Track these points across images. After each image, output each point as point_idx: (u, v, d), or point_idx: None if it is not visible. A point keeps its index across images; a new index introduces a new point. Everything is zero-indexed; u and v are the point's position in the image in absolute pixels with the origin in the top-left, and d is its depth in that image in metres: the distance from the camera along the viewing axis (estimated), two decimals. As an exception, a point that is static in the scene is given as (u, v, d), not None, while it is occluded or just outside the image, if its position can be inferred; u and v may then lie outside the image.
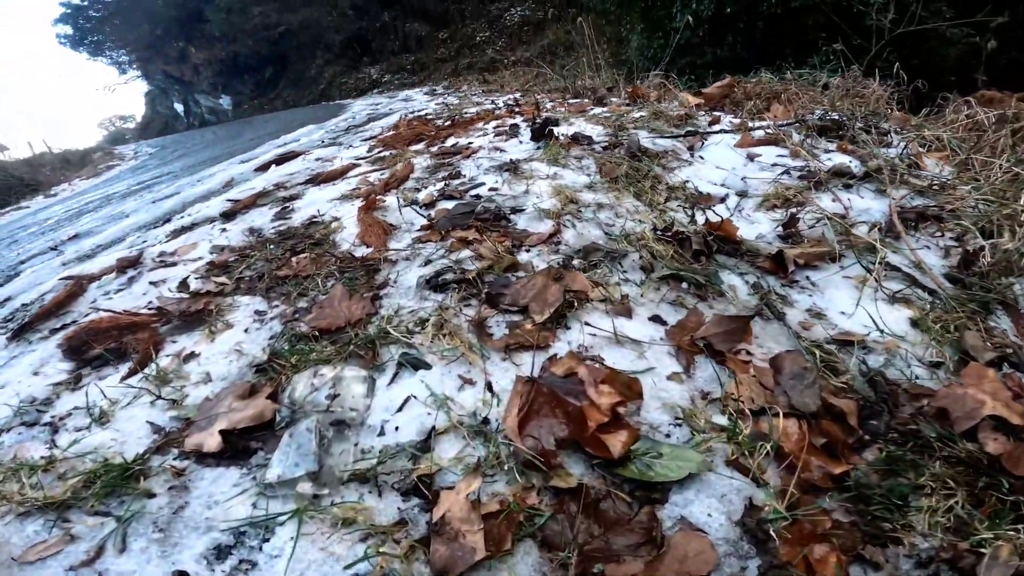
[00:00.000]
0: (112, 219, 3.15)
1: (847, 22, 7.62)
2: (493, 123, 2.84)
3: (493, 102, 4.53)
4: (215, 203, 2.60)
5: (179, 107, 25.13)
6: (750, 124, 2.33)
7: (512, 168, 1.93)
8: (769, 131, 2.18)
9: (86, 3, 25.24)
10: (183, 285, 1.60)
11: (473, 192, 1.78)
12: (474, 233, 1.46)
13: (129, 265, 2.07)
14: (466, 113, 4.05)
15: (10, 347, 1.68)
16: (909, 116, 2.54)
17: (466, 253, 1.41)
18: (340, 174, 2.48)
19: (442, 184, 1.93)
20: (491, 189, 1.77)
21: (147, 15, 22.55)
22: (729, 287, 1.41)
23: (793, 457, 0.90)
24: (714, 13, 8.00)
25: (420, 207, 1.75)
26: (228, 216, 2.29)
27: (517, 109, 3.45)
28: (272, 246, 1.82)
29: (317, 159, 3.15)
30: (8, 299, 2.24)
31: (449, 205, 1.69)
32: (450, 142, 2.60)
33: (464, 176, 1.96)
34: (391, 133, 3.29)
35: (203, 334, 1.39)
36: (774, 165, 1.94)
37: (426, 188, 1.94)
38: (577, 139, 2.18)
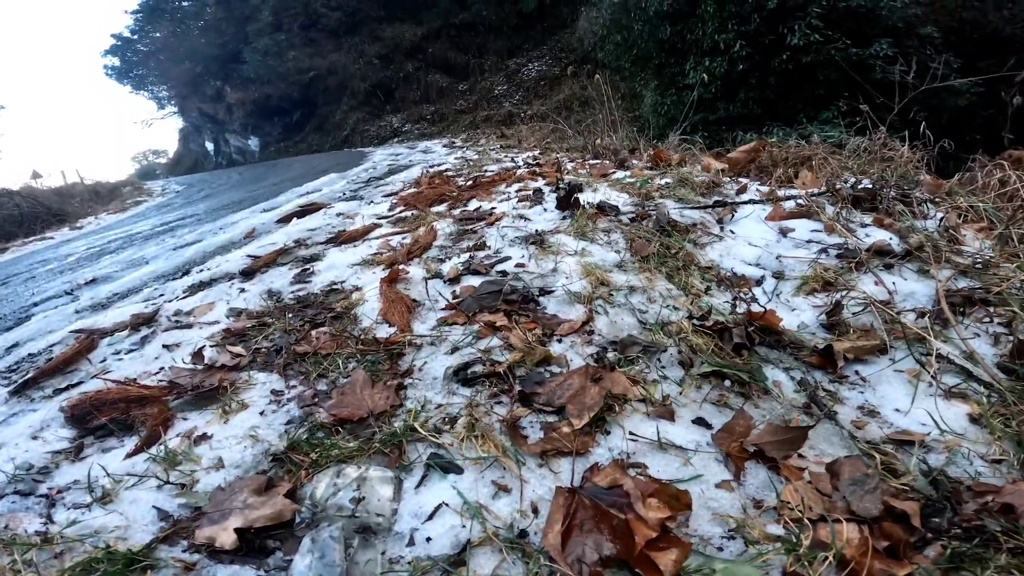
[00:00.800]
0: (131, 265, 3.11)
1: (859, 77, 7.74)
2: (516, 185, 2.80)
3: (513, 159, 4.55)
4: (235, 257, 2.55)
5: (210, 145, 25.90)
6: (779, 193, 2.26)
7: (538, 241, 1.86)
8: (800, 202, 2.10)
9: (136, 37, 26.52)
10: (197, 355, 1.51)
11: (499, 268, 1.70)
12: (502, 318, 1.37)
13: (143, 323, 1.99)
14: (487, 171, 4.05)
15: (11, 402, 1.58)
16: (940, 181, 2.46)
17: (495, 341, 1.32)
18: (361, 235, 2.43)
19: (467, 256, 1.85)
20: (518, 265, 1.69)
21: (190, 53, 23.52)
22: (774, 383, 1.30)
23: (855, 564, 0.82)
24: (727, 71, 8.18)
25: (445, 281, 1.67)
26: (247, 275, 2.22)
27: (538, 170, 3.43)
28: (291, 315, 1.73)
29: (338, 214, 3.12)
30: (15, 345, 2.16)
31: (475, 282, 1.61)
32: (473, 205, 2.55)
33: (489, 247, 1.89)
34: (412, 191, 3.27)
35: (216, 414, 1.29)
36: (809, 242, 1.85)
37: (450, 259, 1.86)
38: (603, 209, 2.11)
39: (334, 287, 1.91)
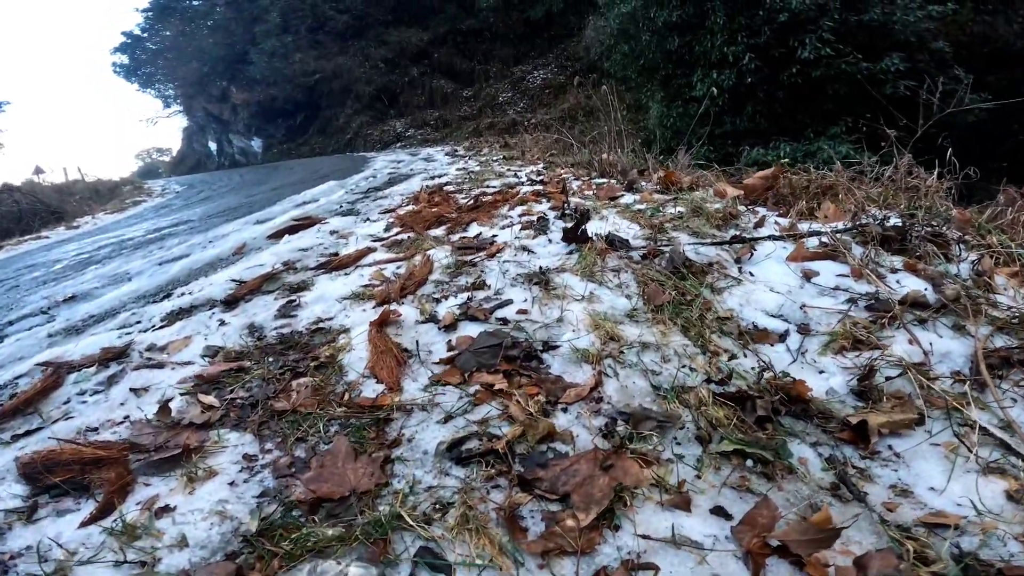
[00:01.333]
0: (114, 280, 2.96)
1: (866, 93, 7.61)
2: (519, 209, 2.65)
3: (516, 174, 4.40)
4: (220, 280, 2.40)
5: (213, 145, 25.81)
6: (801, 227, 2.11)
7: (542, 281, 1.71)
8: (824, 240, 1.95)
9: (146, 35, 26.49)
10: (163, 410, 1.36)
11: (499, 313, 1.54)
12: (501, 379, 1.22)
13: (113, 358, 1.84)
14: (489, 186, 3.90)
15: (-34, 447, 1.45)
16: (968, 215, 2.32)
17: (493, 409, 1.17)
18: (354, 261, 2.28)
19: (465, 296, 1.70)
20: (520, 311, 1.54)
21: (197, 52, 23.44)
22: (799, 460, 1.17)
23: None
24: (735, 83, 8.06)
25: (440, 328, 1.52)
26: (229, 304, 2.07)
27: (542, 189, 3.28)
28: (271, 358, 1.58)
29: (332, 231, 2.97)
30: (-19, 374, 2.02)
31: (473, 330, 1.46)
32: (473, 231, 2.40)
33: (489, 286, 1.74)
34: (410, 209, 3.12)
35: (181, 481, 1.16)
36: (836, 289, 1.70)
37: (447, 298, 1.71)
38: (612, 243, 1.96)
39: (320, 325, 1.76)
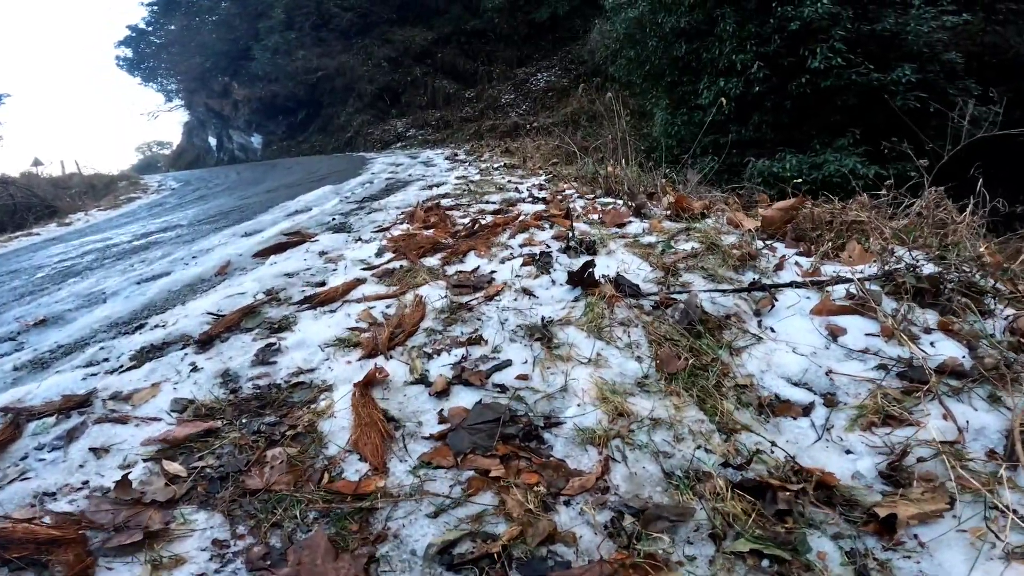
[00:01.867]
0: (89, 301, 2.81)
1: (875, 105, 7.45)
2: (520, 237, 2.49)
3: (517, 188, 4.25)
4: (197, 310, 2.25)
5: (213, 141, 25.60)
6: (824, 269, 1.96)
7: (545, 337, 1.55)
8: (851, 289, 1.80)
9: (150, 29, 26.29)
10: (123, 485, 1.21)
11: (497, 377, 1.39)
12: (498, 465, 1.07)
13: (76, 406, 1.69)
14: (488, 201, 3.75)
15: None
16: (1000, 258, 2.17)
17: (488, 500, 1.02)
18: (341, 295, 2.13)
19: (459, 353, 1.55)
20: (520, 377, 1.38)
21: (200, 47, 23.23)
22: (818, 555, 1.04)
23: None
24: (742, 92, 7.89)
25: (431, 392, 1.37)
26: (204, 344, 1.92)
27: (545, 210, 3.13)
28: (245, 418, 1.44)
29: (321, 252, 2.82)
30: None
31: (467, 399, 1.30)
32: (470, 262, 2.25)
33: (485, 341, 1.58)
34: (404, 229, 2.97)
35: (146, 568, 1.04)
36: (865, 352, 1.55)
37: (439, 354, 1.56)
38: (621, 287, 1.81)
39: (300, 379, 1.60)
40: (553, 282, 1.94)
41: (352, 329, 1.84)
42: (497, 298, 1.85)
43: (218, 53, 22.39)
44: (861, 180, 7.08)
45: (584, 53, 15.99)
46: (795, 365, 1.49)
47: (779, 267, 2.01)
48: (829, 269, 2.00)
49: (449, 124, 16.91)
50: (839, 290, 1.81)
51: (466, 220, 3.06)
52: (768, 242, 2.25)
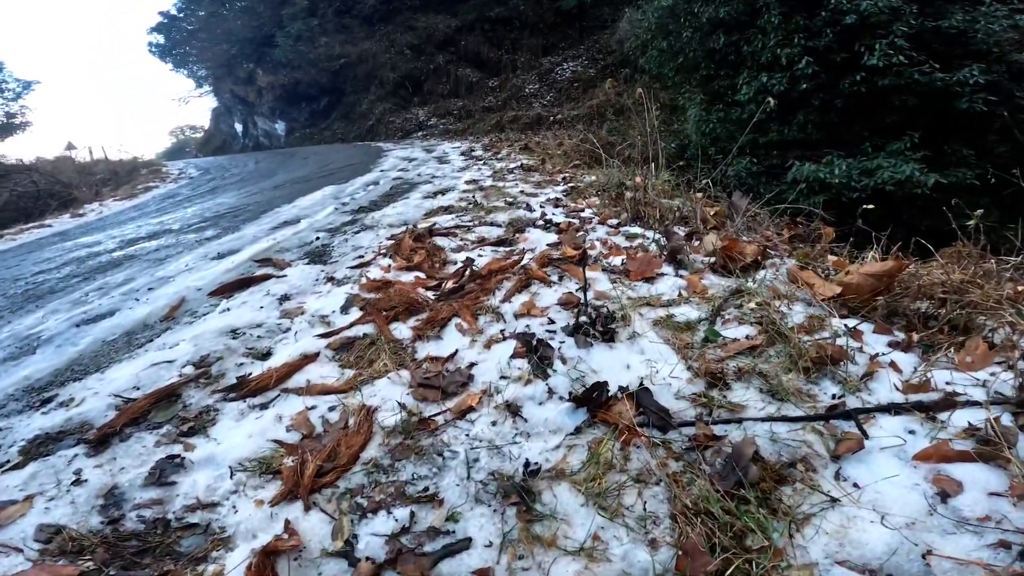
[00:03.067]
0: (22, 349, 2.32)
1: (935, 107, 6.58)
2: (518, 300, 1.87)
3: (529, 204, 3.63)
4: (112, 383, 1.74)
5: (239, 127, 25.42)
6: (935, 379, 1.34)
7: (524, 499, 0.98)
8: (973, 422, 1.18)
9: (181, 15, 26.13)
10: None
11: (447, 569, 0.83)
12: None
13: None
14: (493, 222, 3.16)
15: None
16: None
17: None
18: (283, 378, 1.58)
19: (403, 517, 0.98)
20: (477, 574, 0.82)
21: (227, 34, 22.93)
22: None
23: None
24: (786, 89, 7.07)
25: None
26: (98, 444, 1.40)
27: (558, 242, 2.53)
28: (116, 569, 0.93)
29: (283, 297, 2.28)
30: None
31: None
32: (448, 342, 1.67)
33: (440, 502, 1.01)
34: (383, 271, 2.40)
35: None
36: (983, 522, 0.95)
37: (375, 512, 1.00)
38: (643, 408, 1.22)
39: (197, 517, 1.09)
40: (550, 392, 1.34)
41: (278, 443, 1.29)
42: (471, 416, 1.28)
43: (243, 40, 22.02)
44: (918, 189, 6.28)
45: (612, 43, 15.09)
46: (880, 543, 0.90)
47: (868, 375, 1.38)
48: (942, 377, 1.36)
49: (471, 114, 16.22)
50: (958, 417, 1.18)
51: (460, 256, 2.47)
52: (852, 323, 1.61)
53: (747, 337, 1.57)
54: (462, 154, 8.56)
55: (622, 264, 2.14)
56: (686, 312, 1.71)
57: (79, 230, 6.70)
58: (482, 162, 7.09)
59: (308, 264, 2.71)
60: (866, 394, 1.36)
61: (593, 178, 4.78)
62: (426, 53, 18.52)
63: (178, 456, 1.37)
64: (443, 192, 4.65)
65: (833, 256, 2.13)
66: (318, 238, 3.31)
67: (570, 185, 4.44)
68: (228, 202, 6.38)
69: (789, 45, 6.91)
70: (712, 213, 3.02)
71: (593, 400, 1.24)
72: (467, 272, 2.12)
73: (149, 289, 2.78)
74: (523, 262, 2.21)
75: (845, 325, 1.62)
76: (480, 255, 2.45)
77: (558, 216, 3.12)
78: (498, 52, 17.89)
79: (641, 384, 1.37)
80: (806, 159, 7.29)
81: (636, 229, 2.72)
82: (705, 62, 8.20)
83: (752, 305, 1.74)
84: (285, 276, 2.53)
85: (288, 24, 19.96)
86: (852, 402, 1.34)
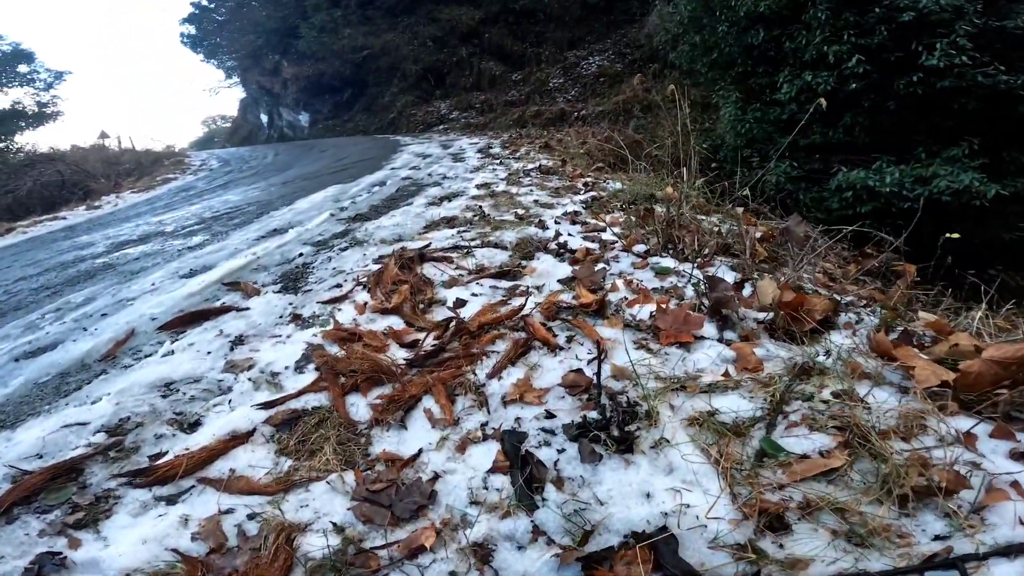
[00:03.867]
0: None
1: (998, 110, 5.91)
2: (510, 376, 1.41)
3: (542, 220, 3.17)
4: (15, 448, 1.38)
5: (264, 118, 25.36)
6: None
7: None
8: None
9: (212, 5, 26.15)
10: None
11: None
12: None
13: None
14: (500, 242, 2.71)
15: None
16: None
17: None
18: (199, 464, 1.18)
19: None
20: None
21: (253, 25, 22.84)
22: None
23: None
24: (833, 88, 6.42)
25: None
26: None
27: (572, 279, 2.08)
28: None
29: (236, 339, 1.88)
30: None
31: None
32: (411, 436, 1.23)
33: None
34: (357, 310, 1.97)
35: None
36: None
37: None
38: (663, 565, 0.78)
39: None
40: (535, 533, 0.90)
41: (178, 555, 0.91)
42: (422, 559, 0.85)
43: (269, 31, 21.86)
44: (977, 200, 5.63)
45: (641, 37, 14.40)
46: None
47: (981, 507, 0.91)
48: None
49: (493, 108, 15.71)
50: None
51: (451, 293, 2.03)
52: (964, 423, 1.13)
53: (821, 454, 1.10)
54: (479, 151, 8.11)
55: (650, 318, 1.67)
56: (734, 404, 1.24)
57: (85, 226, 6.47)
58: (498, 161, 6.63)
59: (278, 293, 2.31)
60: (980, 531, 0.91)
61: (618, 185, 4.28)
62: (449, 45, 18.04)
63: (60, 554, 1.00)
64: (450, 198, 4.22)
65: (927, 315, 1.63)
66: (301, 255, 2.91)
67: (591, 194, 3.95)
68: (232, 200, 6.06)
69: (838, 42, 6.28)
70: (759, 236, 2.52)
71: (592, 557, 0.80)
72: (452, 326, 1.67)
73: (102, 316, 2.42)
74: (525, 309, 1.76)
75: (956, 430, 1.14)
76: (474, 294, 2.00)
77: (575, 238, 2.65)
78: (522, 45, 17.31)
79: (664, 528, 0.93)
80: (852, 164, 6.66)
81: (668, 262, 2.24)
82: (742, 58, 7.57)
83: (827, 395, 1.26)
84: (247, 310, 2.13)
85: (312, 15, 19.70)
86: (961, 544, 0.89)
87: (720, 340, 1.52)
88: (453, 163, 6.91)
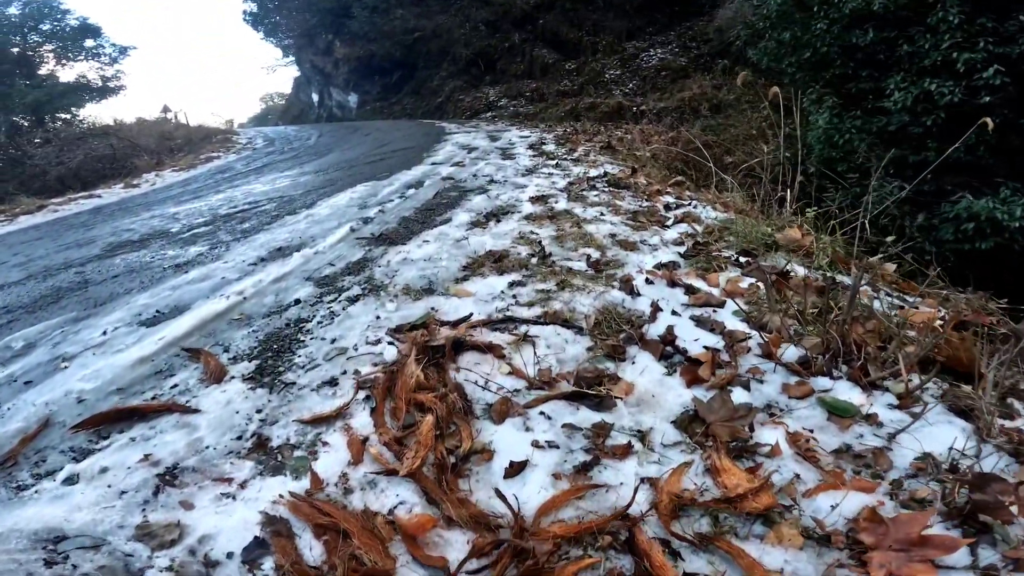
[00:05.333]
0: None
1: None
2: None
3: (629, 282, 2.30)
4: None
5: (315, 97, 25.03)
6: None
7: None
8: None
9: (274, -16, 25.88)
10: None
11: None
12: None
13: None
14: (568, 319, 1.88)
15: None
16: None
17: None
18: None
19: None
20: None
21: (308, 4, 22.45)
22: None
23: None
24: (960, 100, 5.24)
25: None
26: None
27: (702, 457, 1.23)
28: None
29: (166, 472, 1.13)
30: None
31: None
32: None
33: None
34: (333, 510, 1.19)
35: None
36: None
37: None
38: None
39: None
40: None
41: None
42: None
43: (323, 10, 21.31)
44: None
45: (710, 31, 13.03)
46: None
47: None
48: None
49: (544, 97, 14.68)
50: None
51: (497, 433, 1.22)
52: None
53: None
54: (530, 147, 7.21)
55: (849, 526, 0.81)
56: None
57: (109, 209, 5.96)
58: (554, 163, 5.74)
59: (247, 382, 1.54)
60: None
61: (713, 214, 3.34)
62: (501, 30, 17.02)
63: None
64: (498, 216, 3.39)
65: None
66: (298, 301, 2.15)
67: (683, 227, 3.04)
68: (257, 191, 5.41)
69: (970, 49, 5.10)
70: (959, 338, 1.58)
71: None
72: (507, 542, 0.86)
73: (26, 383, 1.72)
74: (630, 509, 0.92)
75: None
76: (538, 444, 1.17)
77: (682, 320, 1.77)
78: (578, 33, 16.11)
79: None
80: (971, 188, 5.47)
81: (846, 394, 1.35)
82: (841, 59, 6.37)
83: None
84: (196, 414, 1.37)
85: (366, -6, 19.02)
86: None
87: (973, 568, 0.66)
88: (501, 161, 6.06)
